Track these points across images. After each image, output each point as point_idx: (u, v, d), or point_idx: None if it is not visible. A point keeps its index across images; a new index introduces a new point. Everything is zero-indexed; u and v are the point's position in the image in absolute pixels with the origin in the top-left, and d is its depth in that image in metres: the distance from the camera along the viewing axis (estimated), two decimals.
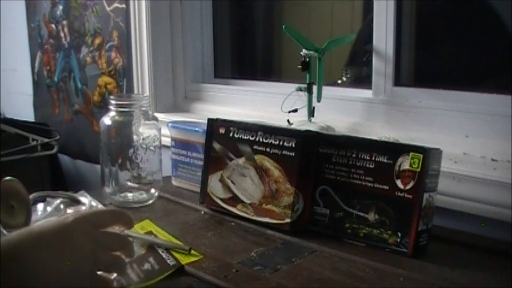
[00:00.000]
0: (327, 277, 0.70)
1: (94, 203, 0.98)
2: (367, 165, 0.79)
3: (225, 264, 0.74)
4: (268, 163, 0.87)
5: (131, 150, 1.01)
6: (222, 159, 0.93)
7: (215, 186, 0.94)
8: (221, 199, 0.93)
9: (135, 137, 1.02)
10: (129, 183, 1.03)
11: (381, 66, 1.13)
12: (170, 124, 1.12)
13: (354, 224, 0.80)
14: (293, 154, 0.84)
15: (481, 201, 0.86)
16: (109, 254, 0.66)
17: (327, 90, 1.16)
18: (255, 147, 0.88)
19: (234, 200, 0.91)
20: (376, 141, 0.84)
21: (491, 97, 0.99)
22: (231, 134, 0.92)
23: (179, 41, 1.53)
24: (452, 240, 0.82)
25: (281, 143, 0.85)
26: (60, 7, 1.87)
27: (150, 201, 1.03)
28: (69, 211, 0.93)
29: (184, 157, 1.09)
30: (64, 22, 1.86)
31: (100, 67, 1.71)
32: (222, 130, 0.93)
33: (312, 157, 0.84)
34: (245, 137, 0.90)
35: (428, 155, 0.75)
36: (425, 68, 1.17)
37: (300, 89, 1.14)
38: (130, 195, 1.03)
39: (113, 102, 1.01)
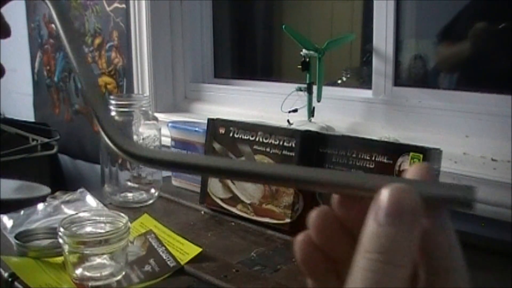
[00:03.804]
0: None
1: (94, 202, 0.98)
2: (367, 165, 0.79)
3: (225, 264, 0.74)
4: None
5: None
6: None
7: (215, 186, 0.94)
8: (221, 199, 0.93)
9: (135, 137, 1.02)
10: (129, 183, 1.03)
11: (381, 66, 1.13)
12: (170, 124, 1.12)
13: None
14: (293, 154, 0.84)
15: (481, 201, 0.86)
16: None
17: (327, 90, 1.16)
18: (255, 147, 0.88)
19: (234, 200, 0.91)
20: (376, 141, 0.84)
21: (491, 97, 0.99)
22: (231, 134, 0.92)
23: (179, 41, 1.52)
24: None
25: (281, 143, 0.85)
26: None
27: (150, 201, 1.03)
28: (68, 211, 0.93)
29: None
30: None
31: (100, 67, 1.71)
32: (222, 130, 0.93)
33: (312, 157, 0.84)
34: (245, 137, 0.90)
35: (428, 155, 0.74)
36: (425, 68, 1.17)
37: (300, 89, 1.14)
38: (130, 195, 1.03)
39: (113, 102, 1.01)
